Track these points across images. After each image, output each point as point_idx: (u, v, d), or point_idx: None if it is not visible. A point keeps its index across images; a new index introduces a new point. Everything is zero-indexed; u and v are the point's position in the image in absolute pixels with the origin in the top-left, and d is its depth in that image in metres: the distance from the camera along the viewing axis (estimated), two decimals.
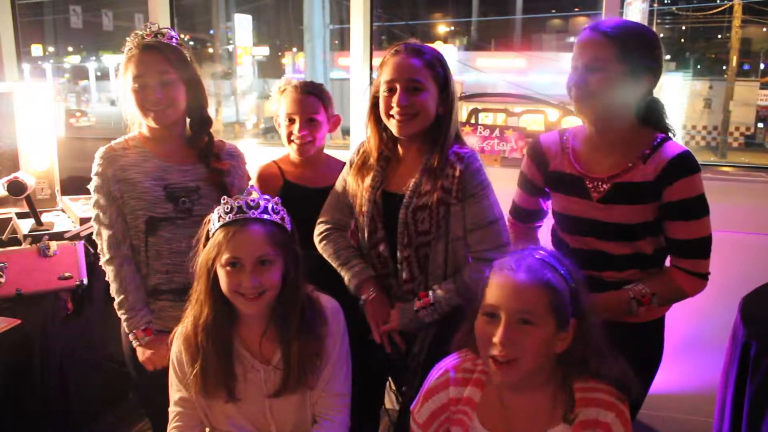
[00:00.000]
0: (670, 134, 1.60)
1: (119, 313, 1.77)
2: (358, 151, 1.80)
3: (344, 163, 2.04)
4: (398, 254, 1.69)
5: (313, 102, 1.99)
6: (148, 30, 1.77)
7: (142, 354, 1.77)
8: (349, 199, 1.79)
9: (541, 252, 1.33)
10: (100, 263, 1.81)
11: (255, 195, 1.49)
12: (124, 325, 1.78)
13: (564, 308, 1.27)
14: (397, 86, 1.63)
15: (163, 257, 1.77)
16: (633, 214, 1.56)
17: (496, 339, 1.25)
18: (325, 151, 2.12)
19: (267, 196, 1.52)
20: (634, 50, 1.51)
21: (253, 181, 2.02)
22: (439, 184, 1.63)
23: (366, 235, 1.73)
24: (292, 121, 1.98)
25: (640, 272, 1.61)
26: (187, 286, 1.73)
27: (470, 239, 1.66)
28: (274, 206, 1.51)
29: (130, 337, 1.77)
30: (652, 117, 1.60)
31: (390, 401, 2.08)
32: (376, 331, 1.73)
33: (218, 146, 1.86)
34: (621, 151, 1.59)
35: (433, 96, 1.65)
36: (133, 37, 1.76)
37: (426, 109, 1.64)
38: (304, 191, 1.99)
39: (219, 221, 1.48)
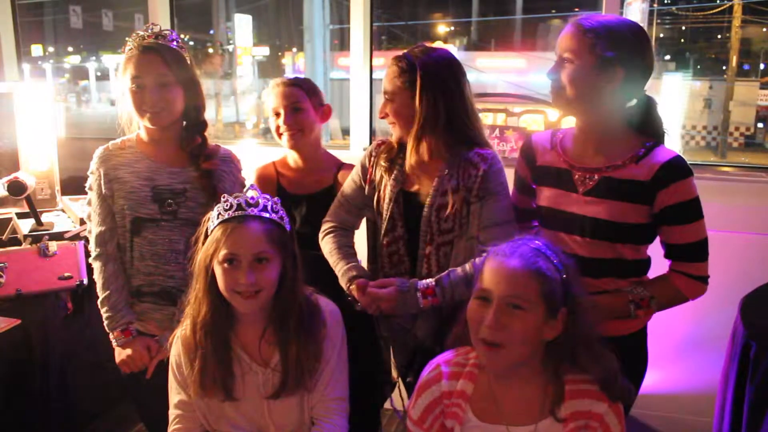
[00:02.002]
0: (666, 135, 1.58)
1: (102, 311, 1.78)
2: (373, 151, 1.81)
3: (341, 162, 2.05)
4: (419, 252, 1.69)
5: (296, 91, 1.99)
6: (149, 31, 1.76)
7: (118, 355, 1.76)
8: (357, 201, 1.80)
9: (536, 242, 1.36)
10: (89, 260, 1.81)
11: (254, 193, 1.49)
12: (105, 323, 1.78)
13: (554, 296, 1.30)
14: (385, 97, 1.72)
15: (145, 259, 1.77)
16: (618, 212, 1.54)
17: (485, 321, 1.29)
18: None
19: (267, 195, 1.52)
20: (604, 43, 1.50)
21: (252, 181, 2.02)
22: (462, 183, 1.65)
23: (383, 233, 1.73)
24: (278, 115, 1.99)
25: (617, 280, 1.59)
26: (167, 290, 1.76)
27: (483, 236, 1.66)
28: (273, 205, 1.51)
29: (110, 336, 1.77)
30: (642, 120, 1.58)
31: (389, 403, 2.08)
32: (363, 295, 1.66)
33: (212, 150, 1.86)
34: (610, 150, 1.57)
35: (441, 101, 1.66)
36: (134, 37, 1.75)
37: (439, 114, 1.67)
38: (294, 198, 1.98)
39: (218, 218, 1.48)
